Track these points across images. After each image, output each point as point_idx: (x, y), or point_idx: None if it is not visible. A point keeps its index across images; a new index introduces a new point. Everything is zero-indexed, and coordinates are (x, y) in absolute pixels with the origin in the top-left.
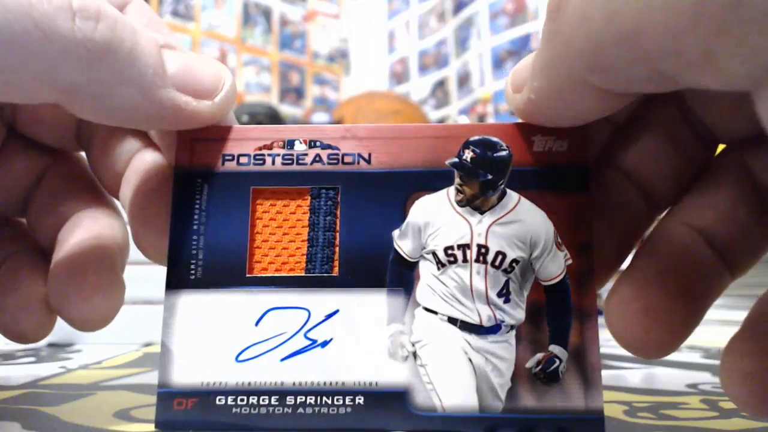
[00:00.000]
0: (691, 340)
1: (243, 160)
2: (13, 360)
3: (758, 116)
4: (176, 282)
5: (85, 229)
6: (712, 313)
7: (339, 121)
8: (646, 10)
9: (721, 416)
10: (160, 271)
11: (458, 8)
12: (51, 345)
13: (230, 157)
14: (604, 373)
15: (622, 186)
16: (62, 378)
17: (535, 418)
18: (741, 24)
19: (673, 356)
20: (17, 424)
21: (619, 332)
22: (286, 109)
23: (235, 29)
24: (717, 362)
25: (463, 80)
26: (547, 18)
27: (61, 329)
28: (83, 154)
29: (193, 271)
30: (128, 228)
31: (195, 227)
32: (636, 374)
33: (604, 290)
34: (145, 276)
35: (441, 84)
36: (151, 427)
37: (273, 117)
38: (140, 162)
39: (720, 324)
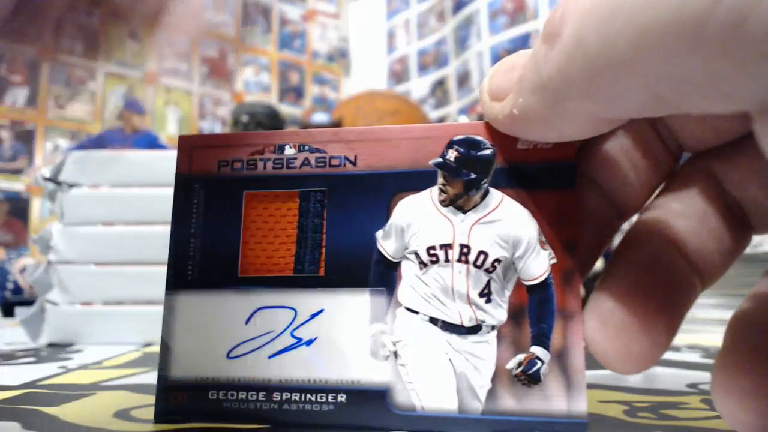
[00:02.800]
0: (691, 340)
1: (237, 165)
2: (13, 360)
3: (757, 141)
4: (175, 282)
5: None
6: (712, 313)
7: (339, 121)
8: (645, 33)
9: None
10: (160, 271)
11: (458, 7)
12: (51, 345)
13: (225, 163)
14: (604, 373)
15: (588, 192)
16: (62, 378)
17: (515, 420)
18: (743, 45)
19: (673, 356)
20: (17, 424)
21: (599, 348)
22: (286, 109)
23: (234, 29)
24: None
25: (463, 79)
26: (542, 40)
27: (61, 329)
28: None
29: (190, 272)
30: None
31: (192, 230)
32: (636, 374)
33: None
34: (145, 276)
35: (440, 83)
36: (152, 427)
37: (273, 117)
38: None
39: (720, 324)
